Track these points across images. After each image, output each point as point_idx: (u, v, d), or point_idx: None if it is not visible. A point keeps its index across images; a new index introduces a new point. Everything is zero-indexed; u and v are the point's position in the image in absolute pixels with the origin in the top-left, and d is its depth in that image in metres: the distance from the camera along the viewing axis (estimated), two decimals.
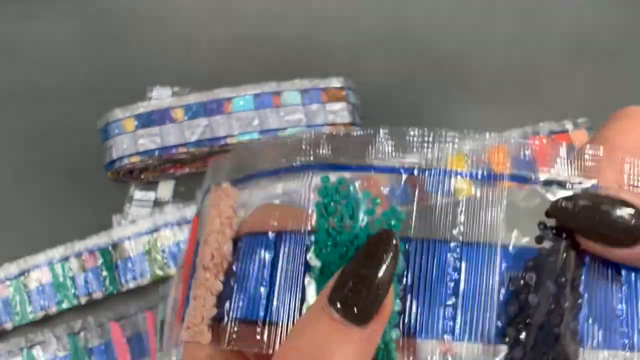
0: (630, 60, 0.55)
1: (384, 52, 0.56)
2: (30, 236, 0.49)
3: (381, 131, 0.19)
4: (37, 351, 0.44)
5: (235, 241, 0.20)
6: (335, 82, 0.50)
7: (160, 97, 0.52)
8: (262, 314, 0.18)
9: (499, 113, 0.52)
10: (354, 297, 0.16)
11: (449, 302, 0.17)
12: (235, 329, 0.18)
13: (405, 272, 0.17)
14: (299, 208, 0.19)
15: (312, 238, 0.18)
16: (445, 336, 0.17)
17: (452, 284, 0.17)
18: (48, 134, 0.52)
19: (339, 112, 0.49)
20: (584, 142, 0.20)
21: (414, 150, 0.19)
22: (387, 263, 0.16)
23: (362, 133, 0.19)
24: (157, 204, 0.50)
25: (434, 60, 0.55)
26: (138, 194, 0.50)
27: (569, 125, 0.49)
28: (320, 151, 0.19)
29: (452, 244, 0.18)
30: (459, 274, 0.17)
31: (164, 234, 0.47)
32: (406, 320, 0.17)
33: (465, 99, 0.53)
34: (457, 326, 0.17)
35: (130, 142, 0.47)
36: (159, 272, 0.46)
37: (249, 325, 0.18)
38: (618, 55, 0.55)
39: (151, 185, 0.50)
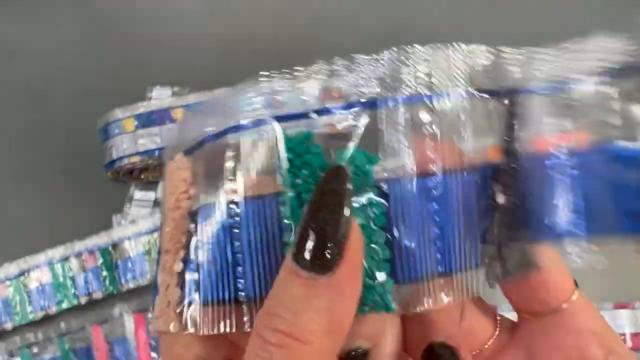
0: None
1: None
2: (30, 236, 0.49)
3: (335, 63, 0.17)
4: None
5: (193, 215, 0.17)
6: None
7: (160, 97, 0.52)
8: (232, 290, 0.16)
9: None
10: (315, 247, 0.15)
11: (436, 236, 0.16)
12: (206, 311, 0.16)
13: (387, 217, 0.16)
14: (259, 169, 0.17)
15: (281, 199, 0.16)
16: (439, 268, 0.16)
17: (436, 217, 0.16)
18: (48, 134, 0.52)
19: None
20: None
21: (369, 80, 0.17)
22: (339, 202, 0.15)
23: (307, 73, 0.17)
24: (157, 204, 0.50)
25: None
26: (138, 194, 0.50)
27: (568, 125, 0.49)
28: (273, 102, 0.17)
29: (427, 179, 0.16)
30: (439, 204, 0.16)
31: None
32: (398, 266, 0.16)
33: None
34: (449, 259, 0.16)
35: (130, 142, 0.47)
36: None
37: (221, 305, 0.16)
38: None
39: (151, 185, 0.50)
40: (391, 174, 0.16)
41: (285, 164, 0.16)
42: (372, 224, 0.16)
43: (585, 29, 0.61)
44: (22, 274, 0.46)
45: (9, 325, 0.46)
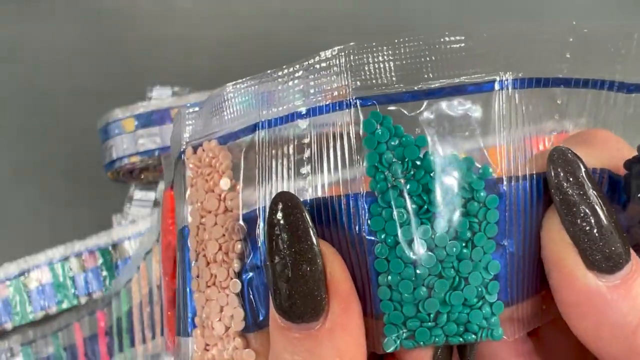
0: None
1: None
2: (30, 236, 0.49)
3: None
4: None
5: (248, 220, 0.15)
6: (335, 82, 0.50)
7: (160, 97, 0.52)
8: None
9: None
10: (289, 302, 0.13)
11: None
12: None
13: (498, 224, 0.13)
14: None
15: (365, 205, 0.13)
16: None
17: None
18: (48, 134, 0.52)
19: None
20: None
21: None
22: (302, 245, 0.12)
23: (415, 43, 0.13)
24: (157, 204, 0.50)
25: None
26: (138, 194, 0.50)
27: (569, 125, 0.49)
28: (358, 77, 0.14)
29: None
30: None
31: None
32: (512, 286, 0.13)
33: None
34: None
35: (130, 142, 0.47)
36: None
37: None
38: None
39: (151, 185, 0.50)
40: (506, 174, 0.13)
41: (372, 159, 0.14)
42: (476, 234, 0.13)
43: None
44: (22, 274, 0.46)
45: (9, 325, 0.46)
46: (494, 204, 0.13)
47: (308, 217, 0.13)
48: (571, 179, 0.13)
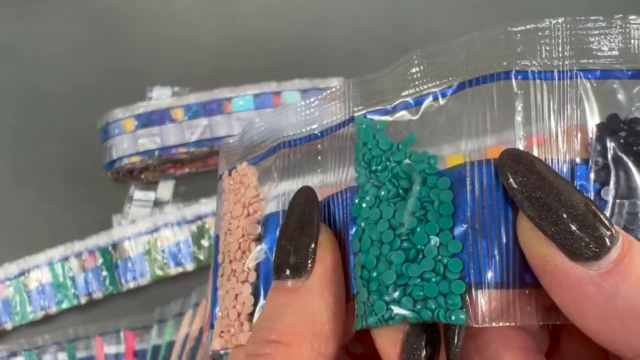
0: None
1: (384, 52, 0.56)
2: (30, 236, 0.49)
3: (414, 56, 0.16)
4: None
5: (264, 222, 0.18)
6: (335, 82, 0.50)
7: (160, 97, 0.52)
8: None
9: None
10: (289, 257, 0.16)
11: None
12: None
13: (458, 204, 0.14)
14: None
15: (350, 196, 0.16)
16: (526, 277, 0.14)
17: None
18: (48, 134, 0.52)
19: None
20: None
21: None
22: (303, 214, 0.16)
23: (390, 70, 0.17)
24: (157, 204, 0.50)
25: None
26: (138, 194, 0.50)
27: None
28: (360, 99, 0.17)
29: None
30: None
31: (164, 234, 0.47)
32: (473, 266, 0.14)
33: None
34: None
35: (130, 142, 0.47)
36: (159, 272, 0.46)
37: None
38: None
39: (151, 185, 0.50)
40: (473, 157, 0.14)
41: (359, 160, 0.16)
42: (431, 212, 0.15)
43: None
44: (22, 274, 0.46)
45: (9, 325, 0.46)
46: (446, 184, 0.15)
47: (317, 207, 0.16)
48: (525, 177, 0.13)
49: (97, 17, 0.58)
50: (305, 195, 0.16)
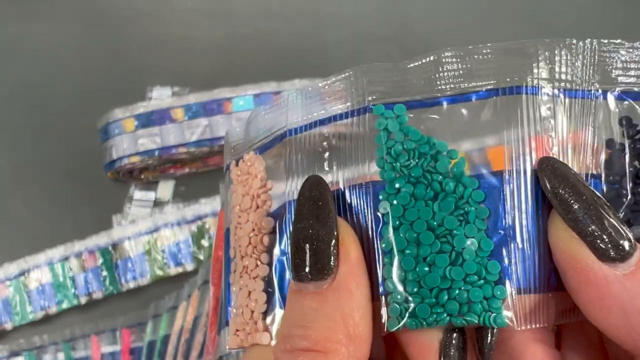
0: None
1: (384, 52, 0.56)
2: (30, 236, 0.49)
3: (446, 54, 0.16)
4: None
5: (276, 214, 0.17)
6: None
7: (160, 97, 0.52)
8: None
9: None
10: (309, 258, 0.14)
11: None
12: None
13: (495, 208, 0.15)
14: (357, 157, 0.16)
15: (374, 192, 0.15)
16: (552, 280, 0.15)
17: None
18: (48, 134, 0.52)
19: None
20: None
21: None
22: (319, 210, 0.15)
23: (418, 63, 0.17)
24: (157, 204, 0.50)
25: None
26: (138, 194, 0.50)
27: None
28: (375, 88, 0.16)
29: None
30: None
31: (164, 234, 0.47)
32: (516, 273, 0.15)
33: None
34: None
35: (130, 142, 0.47)
36: (159, 272, 0.46)
37: None
38: None
39: (151, 185, 0.50)
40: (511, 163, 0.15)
41: (383, 153, 0.16)
42: (466, 216, 0.15)
43: (585, 29, 0.61)
44: (22, 274, 0.46)
45: (9, 325, 0.46)
46: (474, 184, 0.15)
47: (329, 194, 0.15)
48: (563, 183, 0.14)
49: (97, 17, 0.58)
50: (317, 185, 0.15)
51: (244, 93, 0.49)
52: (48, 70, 0.55)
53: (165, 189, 0.50)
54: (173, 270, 0.46)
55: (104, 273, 0.46)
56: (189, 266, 0.47)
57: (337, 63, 0.55)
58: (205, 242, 0.47)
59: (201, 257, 0.47)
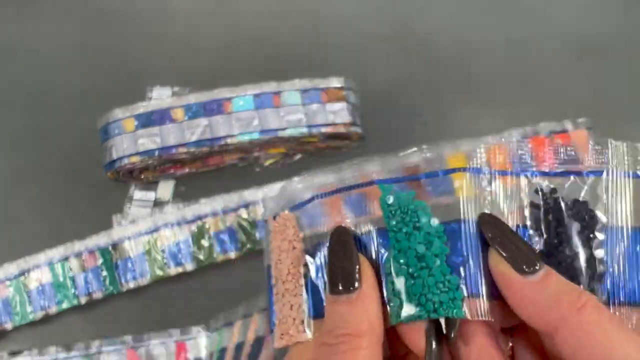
0: (630, 60, 0.55)
1: (384, 52, 0.56)
2: (30, 236, 0.49)
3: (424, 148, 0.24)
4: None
5: (308, 251, 0.24)
6: (335, 82, 0.50)
7: (160, 97, 0.52)
8: None
9: (498, 113, 0.52)
10: (343, 277, 0.22)
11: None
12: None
13: (454, 246, 0.22)
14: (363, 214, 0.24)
15: (379, 235, 0.23)
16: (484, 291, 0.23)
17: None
18: (48, 134, 0.53)
19: (339, 112, 0.49)
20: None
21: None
22: (346, 247, 0.23)
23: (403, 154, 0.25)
24: (157, 204, 0.50)
25: (434, 60, 0.55)
26: (138, 194, 0.50)
27: (569, 125, 0.49)
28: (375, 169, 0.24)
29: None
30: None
31: (164, 234, 0.47)
32: (468, 283, 0.22)
33: (465, 99, 0.53)
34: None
35: (130, 142, 0.47)
36: (159, 272, 0.46)
37: None
38: (618, 55, 0.55)
39: (151, 185, 0.50)
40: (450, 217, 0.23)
41: (390, 219, 0.23)
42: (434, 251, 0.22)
43: (585, 29, 0.61)
44: (22, 274, 0.47)
45: (9, 325, 0.46)
46: (440, 229, 0.23)
47: (351, 237, 0.23)
48: (494, 228, 0.22)
49: (97, 17, 0.58)
50: (343, 232, 0.23)
51: (244, 93, 0.49)
52: (48, 70, 0.55)
53: (165, 189, 0.50)
54: (173, 270, 0.46)
55: (104, 273, 0.46)
56: (189, 266, 0.47)
57: (337, 63, 0.55)
58: (205, 242, 0.47)
59: (201, 257, 0.47)
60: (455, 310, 0.21)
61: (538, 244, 0.23)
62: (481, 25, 0.57)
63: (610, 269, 0.22)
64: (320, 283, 0.23)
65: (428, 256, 0.22)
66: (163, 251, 0.47)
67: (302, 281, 0.24)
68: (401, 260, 0.22)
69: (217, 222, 0.47)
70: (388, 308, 0.22)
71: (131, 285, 0.46)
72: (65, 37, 0.57)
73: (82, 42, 0.57)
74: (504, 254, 0.21)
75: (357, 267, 0.22)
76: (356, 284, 0.22)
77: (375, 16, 0.57)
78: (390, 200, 0.23)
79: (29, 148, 0.52)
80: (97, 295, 0.46)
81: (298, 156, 0.51)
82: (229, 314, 0.45)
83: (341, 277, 0.22)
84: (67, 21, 0.58)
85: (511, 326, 0.23)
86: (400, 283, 0.22)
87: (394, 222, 0.23)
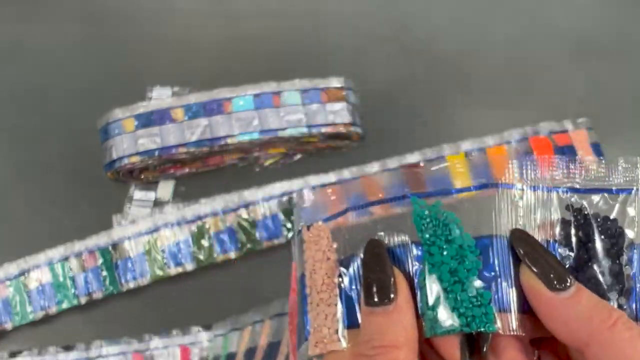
0: (630, 60, 0.55)
1: (384, 52, 0.56)
2: (30, 236, 0.49)
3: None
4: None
5: (342, 262, 0.25)
6: (335, 82, 0.50)
7: (160, 97, 0.52)
8: None
9: (499, 113, 0.52)
10: (379, 289, 0.22)
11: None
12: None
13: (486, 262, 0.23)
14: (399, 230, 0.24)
15: (414, 247, 0.24)
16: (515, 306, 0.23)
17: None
18: (48, 134, 0.53)
19: (339, 112, 0.49)
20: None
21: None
22: (381, 259, 0.23)
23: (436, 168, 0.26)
24: (157, 204, 0.50)
25: (434, 60, 0.55)
26: (138, 194, 0.50)
27: (569, 125, 0.49)
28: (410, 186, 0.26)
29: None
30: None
31: (164, 234, 0.47)
32: (500, 298, 0.23)
33: (466, 99, 0.53)
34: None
35: (130, 142, 0.48)
36: (159, 272, 0.46)
37: None
38: (618, 55, 0.55)
39: (151, 185, 0.50)
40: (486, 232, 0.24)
41: (423, 233, 0.24)
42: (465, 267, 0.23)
43: (585, 29, 0.61)
44: (22, 274, 0.47)
45: (9, 325, 0.46)
46: (472, 243, 0.23)
47: (385, 250, 0.23)
48: (527, 245, 0.23)
49: (97, 17, 0.58)
50: (377, 245, 0.24)
51: (244, 93, 0.49)
52: (48, 71, 0.55)
53: (165, 189, 0.50)
54: (173, 270, 0.46)
55: (104, 273, 0.46)
56: (189, 266, 0.47)
57: (337, 63, 0.55)
58: (205, 242, 0.47)
59: (201, 257, 0.47)
60: (487, 325, 0.22)
61: (568, 260, 0.24)
62: (481, 25, 0.57)
63: (639, 285, 0.23)
64: (354, 294, 0.24)
65: (461, 270, 0.23)
66: (163, 251, 0.47)
67: (337, 291, 0.24)
68: (435, 274, 0.23)
69: (217, 222, 0.47)
70: (422, 320, 0.23)
71: (131, 285, 0.46)
72: (65, 37, 0.57)
73: (82, 42, 0.57)
74: (535, 270, 0.22)
75: (392, 279, 0.23)
76: (392, 296, 0.22)
77: (375, 16, 0.57)
78: (423, 213, 0.24)
79: (29, 148, 0.52)
80: (97, 295, 0.46)
81: (298, 156, 0.51)
82: (236, 319, 0.45)
83: (376, 289, 0.22)
84: (67, 21, 0.58)
85: (539, 337, 0.23)
86: (434, 296, 0.23)
87: (427, 236, 0.23)
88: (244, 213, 0.47)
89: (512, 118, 0.50)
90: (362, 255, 0.24)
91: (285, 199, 0.48)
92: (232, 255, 0.47)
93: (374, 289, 0.22)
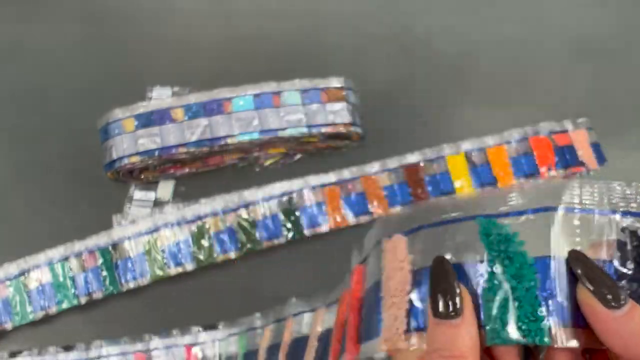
0: (630, 60, 0.55)
1: (384, 52, 0.56)
2: (30, 236, 0.49)
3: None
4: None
5: (414, 273, 0.27)
6: (335, 82, 0.50)
7: (160, 97, 0.52)
8: None
9: (498, 112, 0.52)
10: (448, 303, 0.24)
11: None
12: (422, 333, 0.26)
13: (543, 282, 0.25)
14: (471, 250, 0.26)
15: (480, 266, 0.26)
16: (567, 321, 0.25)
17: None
18: (48, 134, 0.53)
19: (339, 112, 0.49)
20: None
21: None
22: (448, 276, 0.25)
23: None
24: (157, 204, 0.50)
25: (434, 60, 0.55)
26: (138, 194, 0.50)
27: (569, 125, 0.49)
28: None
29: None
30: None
31: (164, 234, 0.47)
32: (556, 314, 0.24)
33: (466, 99, 0.53)
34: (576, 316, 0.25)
35: (130, 142, 0.47)
36: (159, 272, 0.46)
37: None
38: (618, 55, 0.55)
39: (151, 185, 0.50)
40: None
41: (489, 250, 0.26)
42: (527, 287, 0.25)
43: (585, 29, 0.61)
44: (22, 274, 0.47)
45: (9, 325, 0.46)
46: (532, 261, 0.25)
47: (450, 266, 0.25)
48: (584, 266, 0.24)
49: (97, 17, 0.58)
50: (443, 261, 0.26)
51: (244, 93, 0.49)
52: (48, 71, 0.55)
53: (165, 189, 0.50)
54: (173, 270, 0.46)
55: (104, 273, 0.46)
56: (189, 266, 0.47)
57: (337, 63, 0.55)
58: (205, 242, 0.47)
59: (201, 257, 0.47)
60: (543, 339, 0.24)
61: (623, 279, 0.25)
62: (481, 25, 0.57)
63: None
64: (422, 304, 0.26)
65: (520, 288, 0.25)
66: (163, 251, 0.47)
67: (407, 298, 0.27)
68: (497, 290, 0.25)
69: (217, 222, 0.47)
70: (483, 331, 0.25)
71: (131, 285, 0.46)
72: (65, 37, 0.57)
73: (82, 42, 0.57)
74: (592, 289, 0.23)
75: (459, 292, 0.25)
76: (459, 310, 0.24)
77: (375, 16, 0.57)
78: (490, 232, 0.26)
79: (29, 148, 0.52)
80: (97, 295, 0.46)
81: (298, 156, 0.51)
82: (251, 319, 0.45)
83: (445, 302, 0.24)
84: (67, 21, 0.58)
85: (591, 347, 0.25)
86: (495, 310, 0.25)
87: (494, 253, 0.26)
88: (244, 213, 0.47)
89: (512, 118, 0.50)
90: (431, 269, 0.26)
91: (285, 199, 0.48)
92: (232, 255, 0.47)
93: (443, 302, 0.25)
